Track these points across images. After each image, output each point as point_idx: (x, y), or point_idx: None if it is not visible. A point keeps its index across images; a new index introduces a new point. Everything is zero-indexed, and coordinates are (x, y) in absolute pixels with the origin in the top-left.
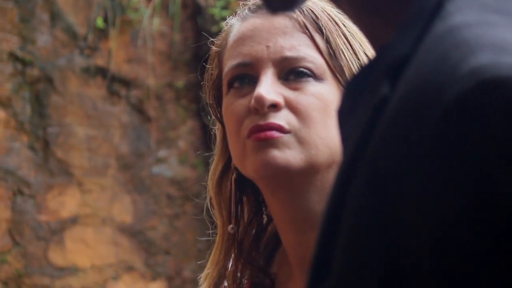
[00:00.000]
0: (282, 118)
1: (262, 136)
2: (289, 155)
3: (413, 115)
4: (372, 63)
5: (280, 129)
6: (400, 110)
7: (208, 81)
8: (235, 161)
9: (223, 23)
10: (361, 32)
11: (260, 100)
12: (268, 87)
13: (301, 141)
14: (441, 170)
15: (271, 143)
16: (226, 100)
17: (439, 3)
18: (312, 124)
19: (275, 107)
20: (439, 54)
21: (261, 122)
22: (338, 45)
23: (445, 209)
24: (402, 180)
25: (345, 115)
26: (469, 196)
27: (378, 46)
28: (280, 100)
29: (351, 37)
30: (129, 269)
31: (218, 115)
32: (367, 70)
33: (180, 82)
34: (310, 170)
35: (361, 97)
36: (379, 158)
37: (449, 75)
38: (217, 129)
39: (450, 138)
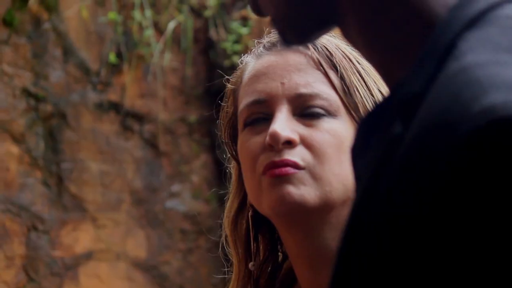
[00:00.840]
0: (297, 154)
1: (277, 172)
2: (304, 191)
3: (426, 154)
4: (385, 101)
5: (295, 165)
6: (414, 149)
7: (224, 119)
8: (250, 198)
9: (238, 60)
10: (374, 69)
11: (275, 137)
12: (283, 124)
13: (315, 178)
14: (455, 208)
15: (286, 179)
16: (241, 138)
17: (452, 42)
18: (326, 160)
19: (290, 143)
20: (452, 93)
21: (276, 159)
22: (353, 82)
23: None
24: (417, 221)
25: (358, 153)
26: (486, 234)
27: (392, 83)
28: (295, 137)
29: (365, 74)
30: None
31: (234, 152)
32: (380, 109)
33: (193, 117)
34: (325, 207)
35: (374, 135)
36: (393, 198)
37: (461, 114)
38: (232, 167)
39: (463, 175)
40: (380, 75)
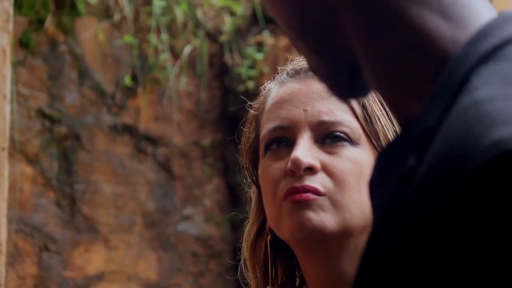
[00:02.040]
0: (318, 181)
1: (298, 198)
2: (324, 217)
3: (438, 187)
4: (400, 136)
5: (316, 191)
6: (426, 181)
7: (245, 144)
8: (270, 223)
9: (260, 87)
10: (388, 106)
11: (296, 163)
12: (305, 151)
13: (335, 205)
14: (466, 240)
15: (307, 205)
16: (263, 163)
17: (465, 77)
18: (346, 188)
19: (311, 170)
20: (463, 127)
21: (297, 184)
22: (374, 111)
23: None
24: (429, 252)
25: (375, 185)
26: (495, 266)
27: (404, 120)
28: (316, 163)
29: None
30: None
31: (254, 178)
32: (396, 143)
33: (206, 141)
34: (344, 233)
35: (390, 169)
36: (407, 229)
37: (471, 147)
38: (252, 192)
39: (473, 208)
40: (392, 112)
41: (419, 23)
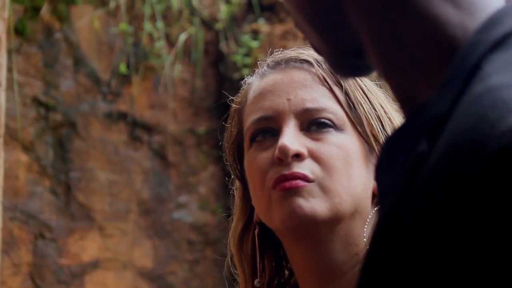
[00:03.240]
0: (306, 167)
1: (287, 185)
2: (314, 204)
3: (453, 171)
4: (410, 121)
5: (305, 178)
6: (440, 166)
7: (228, 140)
8: (260, 214)
9: (245, 77)
10: (392, 91)
11: (284, 150)
12: (291, 138)
13: (325, 190)
14: (482, 222)
15: (296, 192)
16: (248, 155)
17: (477, 64)
18: (335, 173)
19: (298, 157)
20: (477, 113)
21: (286, 172)
22: (357, 97)
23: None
24: (443, 237)
25: (383, 170)
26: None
27: (410, 105)
28: (303, 150)
29: (367, 90)
30: None
31: (238, 173)
32: (405, 128)
33: (202, 128)
34: (334, 219)
35: (399, 154)
36: (419, 214)
37: (488, 133)
38: (236, 189)
39: (490, 191)
40: (397, 97)
41: (428, 9)
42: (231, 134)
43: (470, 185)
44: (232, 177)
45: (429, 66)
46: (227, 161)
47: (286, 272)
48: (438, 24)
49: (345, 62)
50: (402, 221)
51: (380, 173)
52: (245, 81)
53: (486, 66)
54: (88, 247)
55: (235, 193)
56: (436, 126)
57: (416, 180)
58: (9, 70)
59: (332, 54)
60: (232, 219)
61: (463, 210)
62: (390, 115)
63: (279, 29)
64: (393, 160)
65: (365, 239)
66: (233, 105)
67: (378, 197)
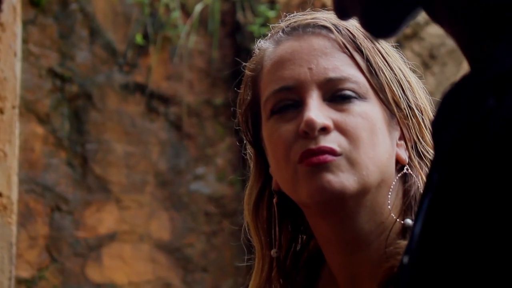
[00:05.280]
0: (333, 141)
1: (315, 160)
2: (343, 178)
3: None
4: (473, 76)
5: (332, 152)
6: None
7: (241, 106)
8: (283, 186)
9: (256, 46)
10: (456, 44)
11: (310, 124)
12: (317, 111)
13: (352, 163)
14: None
15: (325, 167)
16: (269, 126)
17: None
18: (361, 144)
19: (325, 130)
20: None
21: (313, 146)
22: (377, 63)
23: None
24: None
25: (441, 126)
26: None
27: (477, 58)
28: (329, 123)
29: (385, 54)
30: (167, 286)
31: (252, 139)
32: (466, 83)
33: (219, 99)
34: (362, 192)
35: (460, 109)
36: (497, 168)
37: None
38: (250, 154)
39: None
40: (462, 50)
41: None
42: (244, 101)
43: None
44: (245, 142)
45: (497, 19)
46: (238, 126)
47: (304, 237)
48: None
49: (386, 19)
50: (469, 177)
51: (438, 128)
52: (258, 46)
53: None
54: (105, 219)
55: (249, 158)
56: (505, 82)
57: (485, 136)
58: (25, 41)
59: (369, 10)
60: (247, 185)
61: None
62: (409, 78)
63: None
64: (452, 116)
65: (389, 206)
66: (247, 72)
67: (436, 151)
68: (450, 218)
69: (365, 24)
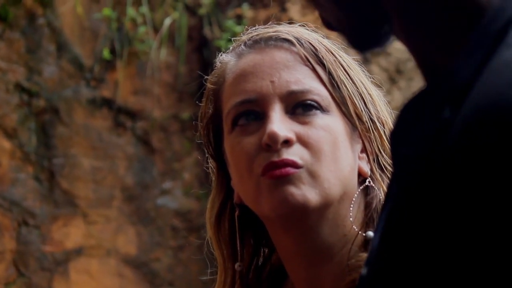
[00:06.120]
0: (295, 153)
1: (278, 173)
2: (305, 191)
3: (483, 137)
4: (430, 89)
5: (294, 164)
6: (468, 132)
7: (203, 119)
8: (245, 199)
9: (217, 59)
10: (414, 57)
11: (273, 137)
12: (279, 123)
13: (313, 176)
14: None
15: (287, 180)
16: (231, 139)
17: (502, 31)
18: (323, 157)
19: (287, 143)
20: (507, 80)
21: (276, 159)
22: (339, 76)
23: None
24: (477, 203)
25: (400, 138)
26: None
27: (433, 71)
28: (292, 135)
29: (347, 67)
30: None
31: (213, 153)
32: (424, 96)
33: (185, 114)
34: (324, 205)
35: (418, 121)
36: (451, 179)
37: None
38: (212, 168)
39: None
40: (419, 64)
41: None
42: (206, 114)
43: (503, 151)
44: (207, 156)
45: (453, 33)
46: (200, 140)
47: (266, 251)
48: None
49: (365, 33)
50: (428, 187)
51: (396, 141)
52: (220, 59)
53: None
54: (72, 234)
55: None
56: (460, 93)
57: (442, 146)
58: None
59: (353, 24)
60: (209, 199)
61: (496, 176)
62: (371, 91)
63: (263, 14)
64: (411, 128)
65: (351, 219)
66: (209, 85)
67: (394, 164)
68: (408, 231)
69: (345, 38)
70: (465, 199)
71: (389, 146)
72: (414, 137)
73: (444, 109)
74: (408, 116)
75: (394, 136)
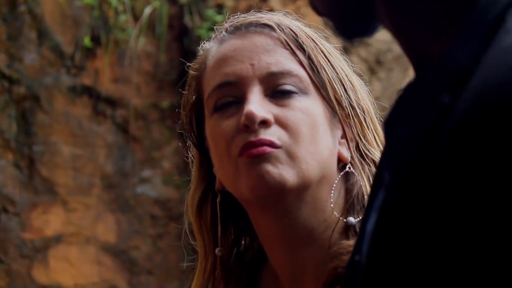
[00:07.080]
0: (273, 134)
1: (255, 152)
2: (282, 170)
3: (486, 123)
4: (426, 75)
5: (272, 144)
6: (471, 118)
7: (186, 107)
8: (225, 182)
9: (200, 47)
10: (403, 45)
11: (250, 117)
12: (257, 105)
13: (292, 157)
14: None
15: (264, 158)
16: (211, 123)
17: (500, 17)
18: (301, 139)
19: (265, 123)
20: (509, 67)
21: (253, 139)
22: (319, 61)
23: None
24: (474, 188)
25: (395, 123)
26: None
27: (424, 58)
28: (269, 116)
29: (328, 54)
30: None
31: (196, 141)
32: (419, 83)
33: (165, 103)
34: (302, 186)
35: (415, 106)
36: (451, 166)
37: None
38: (193, 156)
39: None
40: (408, 52)
41: None
42: (188, 101)
43: (505, 138)
44: (188, 144)
45: (446, 19)
46: (182, 128)
47: (247, 239)
48: None
49: (354, 22)
50: (427, 174)
51: (390, 127)
52: (203, 47)
53: (511, 18)
54: (52, 221)
55: (193, 159)
56: (459, 78)
57: (441, 132)
58: None
59: (342, 13)
60: (190, 187)
61: (498, 163)
62: (352, 78)
63: (243, 3)
64: (407, 113)
65: (332, 205)
66: (191, 72)
67: (388, 150)
68: (410, 218)
69: (332, 25)
70: (467, 186)
71: (371, 133)
72: (410, 122)
73: (442, 94)
74: (405, 102)
75: (389, 122)
